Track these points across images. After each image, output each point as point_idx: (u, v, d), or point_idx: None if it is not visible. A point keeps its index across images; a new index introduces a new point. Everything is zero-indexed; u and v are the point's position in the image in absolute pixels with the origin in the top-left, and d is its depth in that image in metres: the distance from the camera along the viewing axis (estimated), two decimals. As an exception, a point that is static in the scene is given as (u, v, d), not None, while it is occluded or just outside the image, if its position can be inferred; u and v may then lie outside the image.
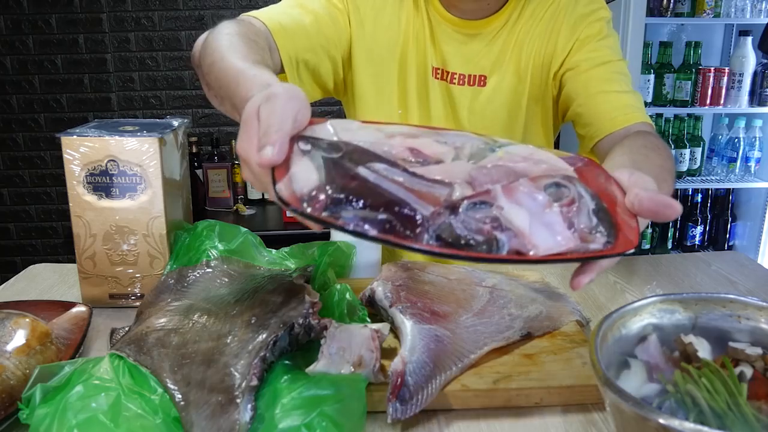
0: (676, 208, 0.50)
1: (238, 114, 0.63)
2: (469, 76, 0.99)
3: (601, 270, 0.51)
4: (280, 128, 0.49)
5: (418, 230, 0.45)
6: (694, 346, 0.58)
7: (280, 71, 0.91)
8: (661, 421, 0.44)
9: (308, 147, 0.50)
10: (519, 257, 0.46)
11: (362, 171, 0.49)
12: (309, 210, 0.45)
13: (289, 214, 0.56)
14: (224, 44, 0.72)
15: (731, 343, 0.59)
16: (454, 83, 1.00)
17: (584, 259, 0.49)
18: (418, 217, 0.46)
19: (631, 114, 0.90)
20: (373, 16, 0.99)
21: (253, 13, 0.90)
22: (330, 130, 0.54)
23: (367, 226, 0.44)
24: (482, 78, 0.99)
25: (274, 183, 0.47)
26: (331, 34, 0.95)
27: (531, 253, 0.46)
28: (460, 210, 0.47)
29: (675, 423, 0.43)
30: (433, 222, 0.46)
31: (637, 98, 0.94)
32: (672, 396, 0.53)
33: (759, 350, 0.57)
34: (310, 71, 0.96)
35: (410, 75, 1.00)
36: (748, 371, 0.55)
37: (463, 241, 0.45)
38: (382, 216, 0.45)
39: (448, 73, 1.00)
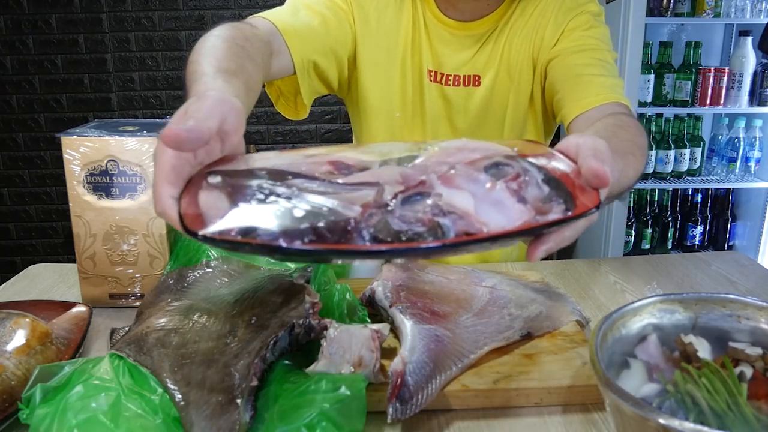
0: (604, 179, 0.47)
1: None
2: (464, 77, 1.00)
3: (563, 240, 0.48)
4: (159, 181, 0.47)
5: (349, 234, 0.41)
6: (694, 346, 0.58)
7: (289, 72, 0.91)
8: (661, 421, 0.44)
9: (217, 179, 0.47)
10: (470, 238, 0.43)
11: (278, 189, 0.45)
12: (224, 237, 0.41)
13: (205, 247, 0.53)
14: (204, 48, 0.69)
15: (731, 343, 0.59)
16: (449, 85, 1.01)
17: (543, 228, 0.45)
18: (348, 220, 0.42)
19: (605, 94, 0.87)
20: (376, 17, 0.99)
21: (263, 14, 0.90)
22: (244, 160, 0.51)
23: (287, 241, 0.40)
24: (476, 78, 1.00)
25: (186, 228, 0.44)
26: (337, 35, 0.96)
27: (484, 230, 0.43)
28: (393, 205, 0.44)
29: (675, 423, 0.43)
30: (366, 223, 0.42)
31: (616, 83, 0.91)
32: (672, 396, 0.53)
33: (759, 350, 0.57)
34: (318, 72, 0.96)
35: (407, 77, 1.01)
36: (748, 371, 0.55)
37: (403, 236, 0.42)
38: (304, 226, 0.41)
39: (443, 75, 1.00)
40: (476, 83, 1.00)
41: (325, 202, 0.44)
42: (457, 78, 1.00)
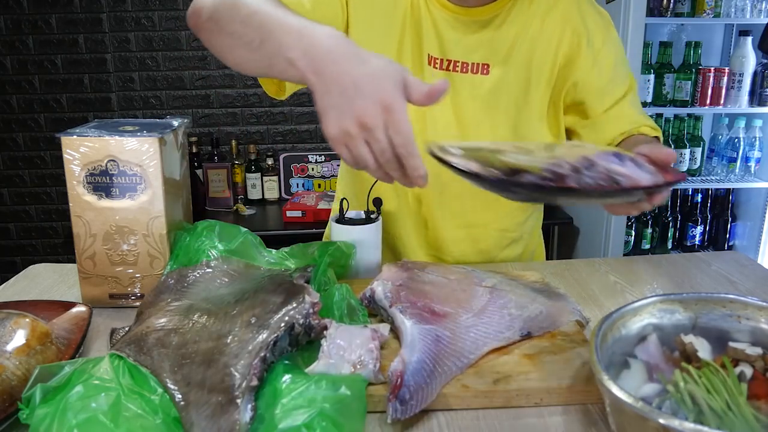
0: (674, 155, 0.70)
1: (287, 59, 0.64)
2: (472, 64, 0.97)
3: (664, 198, 0.71)
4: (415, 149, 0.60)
5: (564, 179, 0.61)
6: (694, 346, 0.58)
7: None
8: (661, 421, 0.44)
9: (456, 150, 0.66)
10: (634, 185, 0.63)
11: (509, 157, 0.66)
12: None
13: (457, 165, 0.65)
14: (258, 0, 0.71)
15: (731, 343, 0.59)
16: (456, 71, 0.98)
17: (664, 187, 0.66)
18: (563, 174, 0.61)
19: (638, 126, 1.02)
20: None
21: None
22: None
23: (537, 179, 0.60)
24: (485, 66, 0.97)
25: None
26: (329, 16, 0.93)
27: (643, 183, 0.63)
28: (583, 169, 0.63)
29: (675, 423, 0.43)
30: (572, 175, 0.61)
31: (643, 116, 1.04)
32: (672, 396, 0.53)
33: (759, 350, 0.57)
34: None
35: (405, 62, 0.97)
36: (748, 371, 0.55)
37: (596, 183, 0.61)
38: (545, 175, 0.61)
39: (449, 61, 0.97)
40: (485, 71, 0.98)
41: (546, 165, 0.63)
42: (465, 65, 0.97)
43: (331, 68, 0.61)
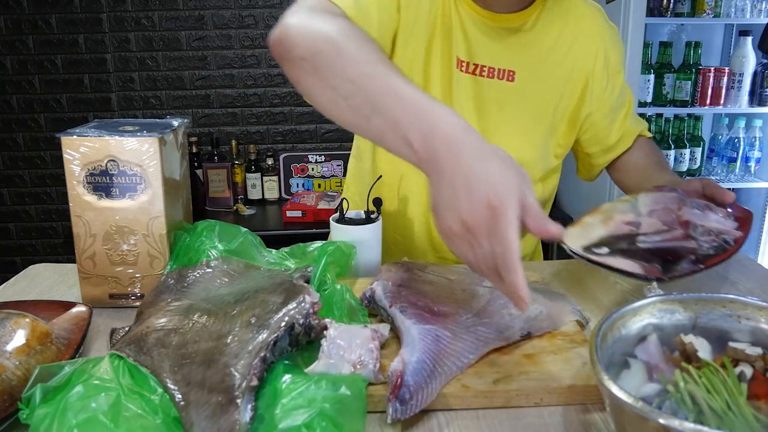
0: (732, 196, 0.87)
1: (406, 141, 0.60)
2: (498, 70, 0.97)
3: None
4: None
5: (714, 258, 0.75)
6: (694, 346, 0.58)
7: None
8: (662, 421, 0.44)
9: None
10: (738, 245, 0.77)
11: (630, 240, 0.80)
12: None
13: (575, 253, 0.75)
14: (373, 58, 0.67)
15: (731, 343, 0.59)
16: (483, 75, 0.97)
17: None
18: (686, 249, 0.76)
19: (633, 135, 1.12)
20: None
21: None
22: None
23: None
24: (510, 73, 0.97)
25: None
26: (387, 19, 0.90)
27: (740, 235, 0.79)
28: (697, 236, 0.78)
29: (675, 423, 0.43)
30: (694, 250, 0.76)
31: (636, 120, 1.13)
32: (672, 396, 0.53)
33: (759, 350, 0.57)
34: None
35: (434, 65, 0.96)
36: (748, 371, 0.55)
37: (713, 251, 0.77)
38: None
39: (476, 65, 0.97)
40: (510, 78, 0.98)
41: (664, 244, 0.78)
42: (492, 70, 0.97)
43: (449, 162, 0.57)
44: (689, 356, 0.58)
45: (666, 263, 0.73)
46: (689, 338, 0.59)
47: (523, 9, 0.96)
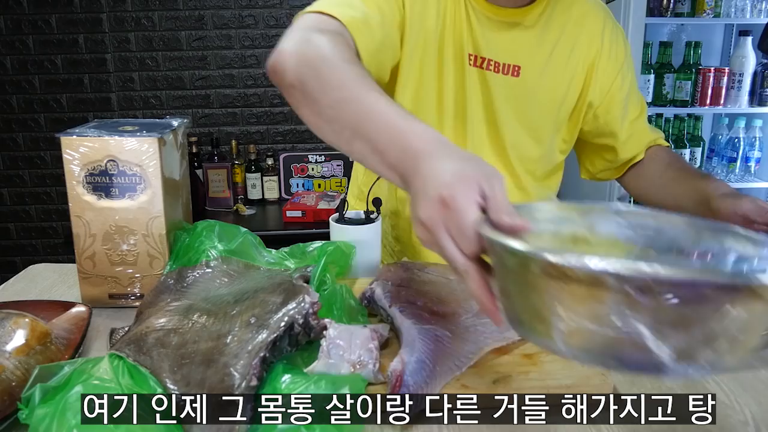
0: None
1: (384, 161, 0.61)
2: (504, 65, 0.97)
3: None
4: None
5: None
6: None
7: None
8: (550, 258, 0.40)
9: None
10: None
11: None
12: None
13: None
14: (352, 79, 0.67)
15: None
16: (490, 69, 0.97)
17: None
18: None
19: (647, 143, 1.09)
20: None
21: (320, 7, 0.81)
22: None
23: None
24: (515, 68, 0.97)
25: None
26: (391, 23, 0.90)
27: None
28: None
29: (558, 258, 0.40)
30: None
31: (651, 128, 1.10)
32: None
33: None
34: (380, 69, 0.91)
35: (447, 61, 0.96)
36: None
37: None
38: None
39: (483, 59, 0.97)
40: (515, 73, 0.97)
41: None
42: (497, 65, 0.97)
43: (414, 171, 0.57)
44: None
45: None
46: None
47: (529, 4, 0.96)
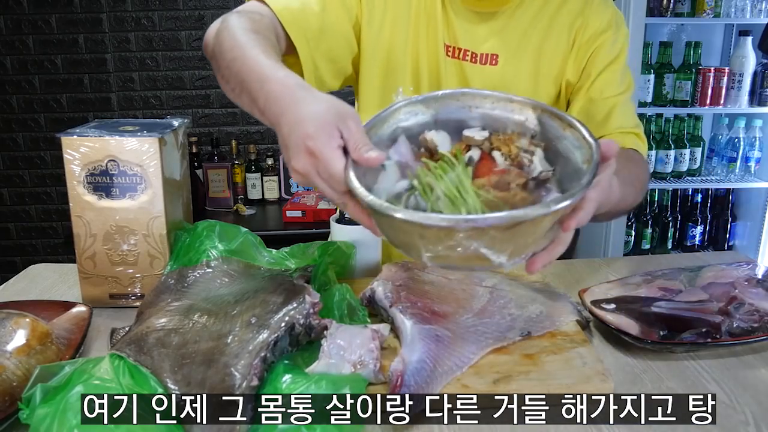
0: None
1: (258, 109, 0.67)
2: (481, 54, 0.97)
3: None
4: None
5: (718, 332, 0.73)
6: (435, 141, 0.63)
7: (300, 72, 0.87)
8: (399, 215, 0.51)
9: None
10: None
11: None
12: None
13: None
14: (243, 41, 0.73)
15: (465, 131, 0.64)
16: (467, 60, 0.97)
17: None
18: (714, 323, 0.74)
19: (627, 135, 1.00)
20: None
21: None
22: None
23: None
24: (493, 57, 0.97)
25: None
26: (337, 14, 0.90)
27: None
28: (733, 313, 0.75)
29: (408, 215, 0.51)
30: (728, 325, 0.74)
31: (636, 121, 1.03)
32: (416, 189, 0.59)
33: (486, 133, 0.64)
34: (331, 56, 0.91)
35: (422, 52, 0.96)
36: (476, 154, 0.61)
37: (753, 330, 0.73)
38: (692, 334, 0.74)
39: (460, 50, 0.96)
40: (494, 62, 0.97)
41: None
42: (474, 55, 0.97)
43: (277, 117, 0.63)
44: (431, 151, 0.63)
45: (671, 330, 0.73)
46: (431, 134, 0.64)
47: None
